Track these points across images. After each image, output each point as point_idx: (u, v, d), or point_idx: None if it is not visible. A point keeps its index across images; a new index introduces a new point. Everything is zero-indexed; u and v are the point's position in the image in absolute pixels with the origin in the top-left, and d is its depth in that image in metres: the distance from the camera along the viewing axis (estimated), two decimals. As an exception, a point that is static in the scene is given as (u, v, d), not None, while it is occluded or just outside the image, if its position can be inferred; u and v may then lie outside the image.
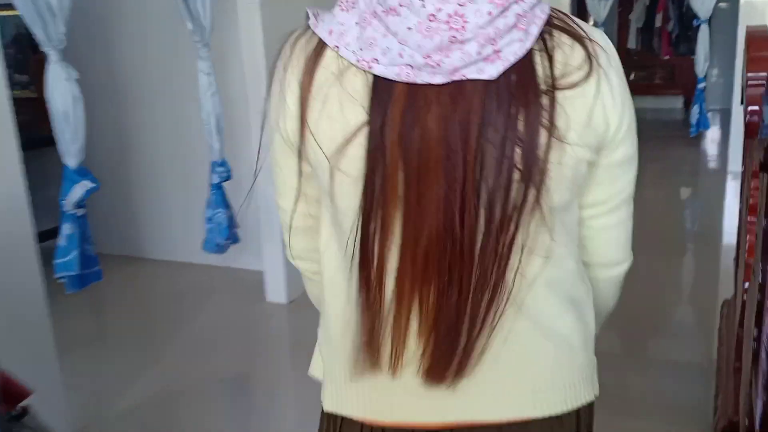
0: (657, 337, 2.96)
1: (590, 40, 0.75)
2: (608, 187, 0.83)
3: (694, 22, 5.98)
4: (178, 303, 3.48)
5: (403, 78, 0.70)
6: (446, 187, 0.70)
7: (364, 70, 0.72)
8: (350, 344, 0.81)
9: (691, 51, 6.36)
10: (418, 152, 0.70)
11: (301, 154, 0.79)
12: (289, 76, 0.78)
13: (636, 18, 9.47)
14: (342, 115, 0.74)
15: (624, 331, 2.87)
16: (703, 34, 5.85)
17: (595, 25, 5.82)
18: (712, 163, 6.22)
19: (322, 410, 0.90)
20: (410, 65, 0.69)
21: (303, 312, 3.02)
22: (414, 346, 0.79)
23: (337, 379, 0.86)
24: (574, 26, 0.76)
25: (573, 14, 0.82)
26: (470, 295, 0.74)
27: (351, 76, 0.74)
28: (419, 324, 0.77)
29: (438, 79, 0.69)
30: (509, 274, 0.75)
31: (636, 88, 11.57)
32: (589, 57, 0.74)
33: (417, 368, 0.80)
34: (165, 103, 3.74)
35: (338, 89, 0.74)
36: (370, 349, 0.79)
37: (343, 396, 0.86)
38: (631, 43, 9.57)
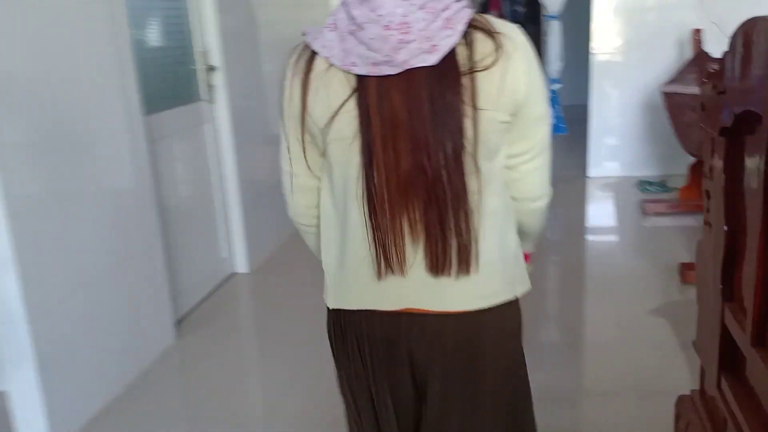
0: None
1: (499, 33, 1.07)
2: (529, 140, 1.15)
3: (545, 18, 5.81)
4: None
5: (373, 73, 1.04)
6: (413, 138, 1.05)
7: (346, 71, 1.07)
8: (359, 259, 1.16)
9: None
10: (390, 118, 1.05)
11: (303, 127, 1.14)
12: (293, 75, 1.13)
13: None
14: (328, 99, 1.09)
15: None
16: (554, 31, 5.71)
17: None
18: (571, 171, 5.88)
19: (329, 309, 1.26)
20: (375, 63, 1.04)
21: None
22: (412, 251, 1.12)
23: (358, 283, 1.18)
24: (488, 25, 1.08)
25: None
26: (449, 209, 1.08)
27: (333, 72, 1.08)
28: (411, 234, 1.10)
29: (394, 71, 1.03)
30: (470, 196, 1.09)
31: None
32: (497, 46, 1.06)
33: (423, 267, 1.13)
34: None
35: (325, 82, 1.09)
36: (383, 256, 1.12)
37: (368, 293, 1.18)
38: None
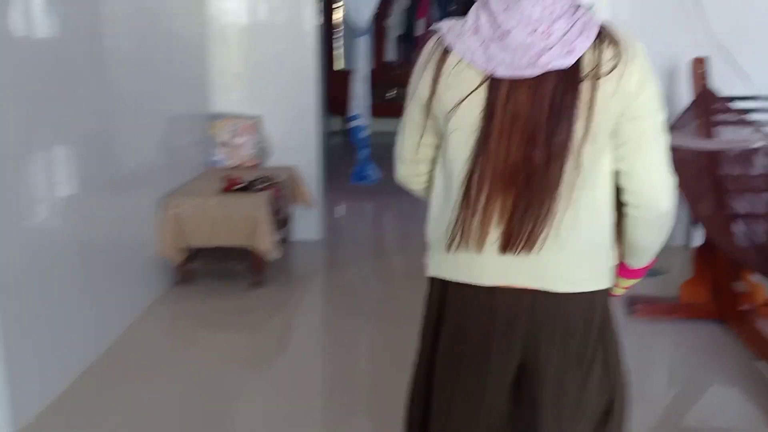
0: None
1: (620, 42, 1.21)
2: (637, 141, 1.26)
3: (357, 33, 5.49)
4: None
5: (515, 75, 1.19)
6: (528, 132, 1.20)
7: (489, 74, 1.21)
8: (446, 231, 1.32)
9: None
10: (512, 112, 1.21)
11: (429, 111, 1.31)
12: (427, 66, 1.30)
13: (394, 25, 8.49)
14: (457, 89, 1.24)
15: None
16: (363, 49, 5.53)
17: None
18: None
19: (431, 279, 1.42)
20: (518, 67, 1.18)
21: None
22: (494, 232, 1.27)
23: (440, 253, 1.37)
24: (612, 33, 1.22)
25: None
26: (538, 197, 1.23)
27: (464, 68, 1.23)
28: (499, 217, 1.25)
29: (536, 72, 1.18)
30: (562, 192, 1.23)
31: (396, 109, 10.53)
32: (617, 53, 1.20)
33: (497, 246, 1.27)
34: None
35: (455, 74, 1.25)
36: (463, 233, 1.28)
37: (443, 264, 1.37)
38: (391, 54, 8.55)
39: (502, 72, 1.18)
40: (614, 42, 1.19)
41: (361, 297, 3.84)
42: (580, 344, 1.32)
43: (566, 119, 1.18)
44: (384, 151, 10.00)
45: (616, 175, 1.28)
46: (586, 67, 1.18)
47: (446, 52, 1.25)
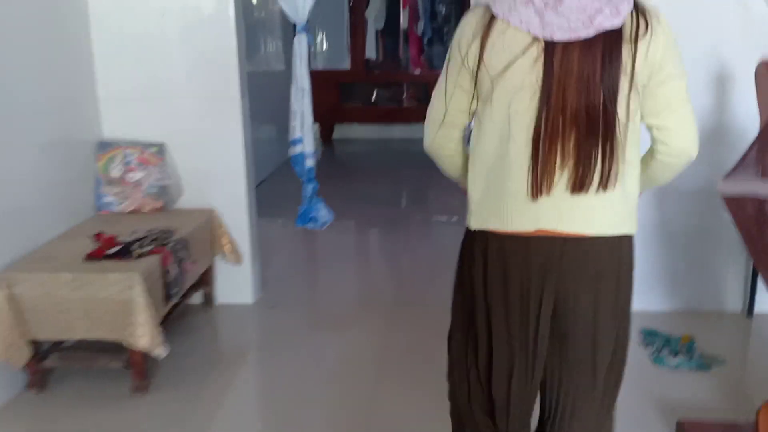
0: None
1: (648, 11, 1.38)
2: (665, 97, 1.42)
3: (296, 29, 4.28)
4: None
5: (572, 38, 1.33)
6: (583, 85, 1.34)
7: (546, 39, 1.34)
8: (511, 182, 1.42)
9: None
10: (567, 69, 1.35)
11: (475, 78, 1.43)
12: (474, 35, 1.41)
13: (374, 17, 7.29)
14: (504, 53, 1.38)
15: None
16: (301, 49, 4.29)
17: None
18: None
19: (471, 231, 1.51)
20: (573, 30, 1.32)
21: None
22: (559, 174, 1.39)
23: (486, 206, 1.48)
24: (641, 4, 1.38)
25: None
26: (599, 141, 1.37)
27: (511, 33, 1.36)
28: (561, 161, 1.38)
29: (590, 33, 1.32)
30: (619, 129, 1.38)
31: (379, 114, 7.66)
32: (647, 21, 1.37)
33: (565, 187, 1.40)
34: None
35: (502, 40, 1.37)
36: (536, 180, 1.39)
37: (491, 216, 1.47)
38: (371, 51, 7.39)
39: (560, 36, 1.33)
40: (643, 12, 1.38)
41: (309, 400, 2.64)
42: (611, 284, 1.47)
43: (615, 71, 1.34)
44: (375, 168, 7.69)
45: (649, 129, 1.47)
46: (625, 32, 1.35)
47: (492, 20, 1.39)
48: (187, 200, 3.31)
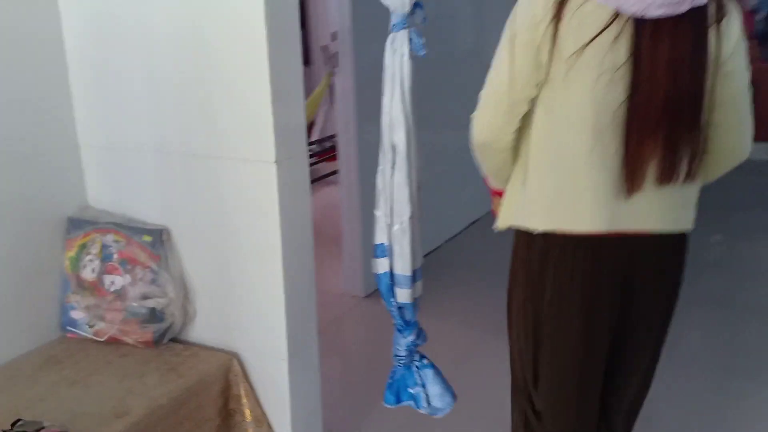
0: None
1: None
2: (729, 89, 1.35)
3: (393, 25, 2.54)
4: None
5: (668, 13, 1.23)
6: (673, 65, 1.25)
7: (641, 15, 1.24)
8: (603, 178, 1.33)
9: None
10: (657, 49, 1.25)
11: (548, 55, 1.29)
12: (547, 15, 1.27)
13: None
14: (580, 33, 1.26)
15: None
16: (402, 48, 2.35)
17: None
18: None
19: (533, 234, 1.42)
20: (671, 4, 1.22)
21: None
22: (650, 170, 1.31)
23: (582, 206, 1.36)
24: None
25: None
26: (689, 129, 1.29)
27: (589, 6, 1.25)
28: (652, 151, 1.30)
29: (685, 8, 1.23)
30: (703, 124, 1.32)
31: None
32: (722, 8, 1.28)
33: (653, 180, 1.32)
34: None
35: (579, 19, 1.26)
36: (628, 173, 1.31)
37: (596, 214, 1.36)
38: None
39: (654, 11, 1.22)
40: None
41: None
42: (675, 277, 1.48)
43: (701, 59, 1.26)
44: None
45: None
46: (713, 13, 1.28)
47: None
48: (199, 331, 1.94)
